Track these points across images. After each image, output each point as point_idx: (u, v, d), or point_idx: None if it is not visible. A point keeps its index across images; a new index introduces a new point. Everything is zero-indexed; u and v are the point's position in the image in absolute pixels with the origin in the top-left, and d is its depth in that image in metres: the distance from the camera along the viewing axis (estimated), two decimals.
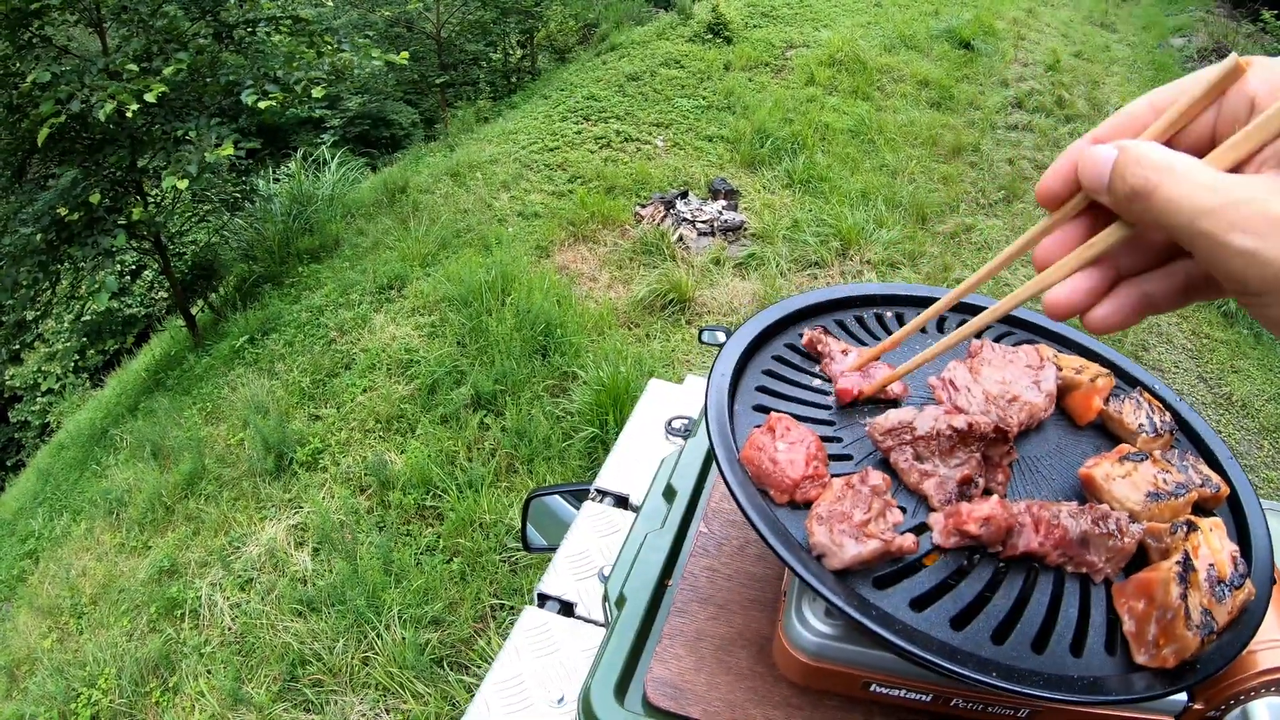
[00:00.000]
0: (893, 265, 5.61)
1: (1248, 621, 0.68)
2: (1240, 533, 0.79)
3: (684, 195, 5.70)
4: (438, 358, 4.51)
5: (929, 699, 0.73)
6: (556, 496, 1.82)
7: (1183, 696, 0.72)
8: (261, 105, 4.85)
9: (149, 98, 4.37)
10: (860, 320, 0.95)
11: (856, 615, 0.62)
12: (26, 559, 4.67)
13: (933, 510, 0.70)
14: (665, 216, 5.49)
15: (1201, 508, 0.79)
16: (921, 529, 0.69)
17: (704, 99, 7.22)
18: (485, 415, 4.24)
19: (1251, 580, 0.69)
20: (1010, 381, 0.81)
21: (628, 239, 5.45)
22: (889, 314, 0.97)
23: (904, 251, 5.70)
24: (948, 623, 0.64)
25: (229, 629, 3.65)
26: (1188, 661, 0.64)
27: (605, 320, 4.83)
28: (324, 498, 4.00)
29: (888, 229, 5.84)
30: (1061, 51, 9.07)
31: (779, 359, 0.86)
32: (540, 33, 9.51)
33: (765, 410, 0.78)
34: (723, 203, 5.67)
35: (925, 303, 0.98)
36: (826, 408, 0.81)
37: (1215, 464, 0.86)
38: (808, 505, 0.70)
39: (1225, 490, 0.79)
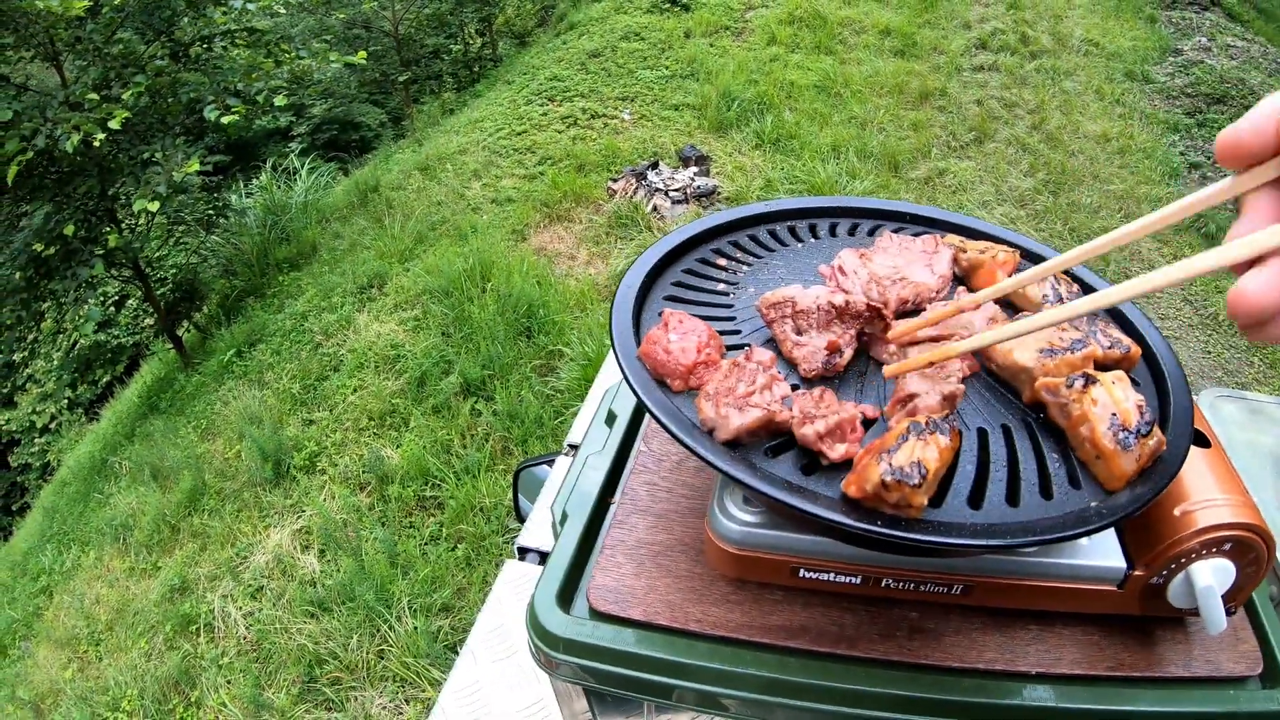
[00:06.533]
0: None
1: (1163, 471, 0.67)
2: (1159, 394, 0.79)
3: (655, 166, 5.69)
4: (424, 350, 4.51)
5: (859, 580, 0.73)
6: (544, 465, 1.83)
7: (1122, 563, 0.73)
8: (225, 120, 4.83)
9: (113, 124, 4.35)
10: (765, 236, 0.96)
11: (742, 476, 0.63)
12: (41, 595, 4.68)
13: (804, 378, 0.72)
14: (638, 189, 5.48)
15: (1112, 369, 0.78)
16: None
17: (667, 68, 7.17)
18: (476, 401, 4.25)
19: (1163, 431, 0.68)
20: (902, 266, 0.83)
21: (602, 214, 5.44)
22: (796, 226, 0.97)
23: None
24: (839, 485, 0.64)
25: (244, 638, 3.68)
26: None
27: (586, 296, 4.82)
28: (325, 499, 4.02)
29: (860, 180, 5.83)
30: None
31: (689, 271, 0.88)
32: (498, 19, 9.42)
33: None
34: (694, 169, 5.66)
35: (834, 213, 0.99)
36: (728, 305, 0.82)
37: (1136, 334, 0.85)
38: None
39: (1136, 351, 0.78)
